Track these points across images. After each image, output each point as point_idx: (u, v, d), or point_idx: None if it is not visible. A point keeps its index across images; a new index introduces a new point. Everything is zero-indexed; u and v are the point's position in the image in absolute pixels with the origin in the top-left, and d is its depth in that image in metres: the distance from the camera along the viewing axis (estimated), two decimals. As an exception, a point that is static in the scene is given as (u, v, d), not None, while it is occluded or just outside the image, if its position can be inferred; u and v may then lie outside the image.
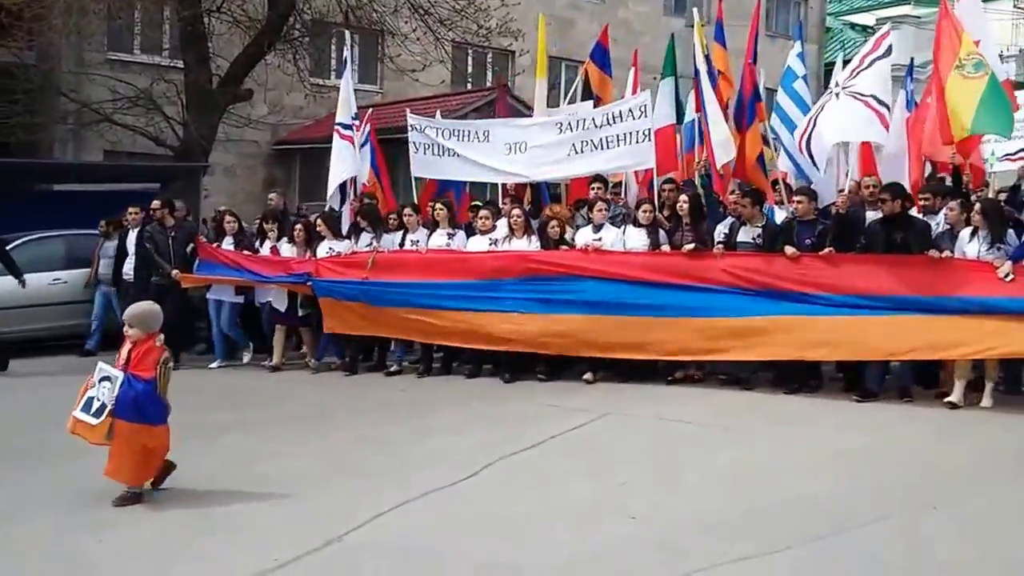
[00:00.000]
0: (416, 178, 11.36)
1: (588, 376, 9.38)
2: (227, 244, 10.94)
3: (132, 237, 11.26)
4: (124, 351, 5.58)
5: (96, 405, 5.44)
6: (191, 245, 10.84)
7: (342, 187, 11.05)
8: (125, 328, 5.65)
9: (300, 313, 10.53)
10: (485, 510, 5.48)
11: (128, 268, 11.19)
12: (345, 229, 10.66)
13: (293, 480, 6.03)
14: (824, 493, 5.72)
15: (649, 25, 24.76)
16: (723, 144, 10.01)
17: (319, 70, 19.09)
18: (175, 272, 10.66)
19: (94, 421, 5.42)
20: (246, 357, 11.01)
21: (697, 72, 10.29)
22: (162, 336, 5.68)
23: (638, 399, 8.61)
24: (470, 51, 21.69)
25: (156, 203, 11.08)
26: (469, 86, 21.95)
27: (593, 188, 10.51)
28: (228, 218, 11.13)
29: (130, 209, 11.40)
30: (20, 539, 5.01)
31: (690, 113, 11.35)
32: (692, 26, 11.09)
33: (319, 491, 5.82)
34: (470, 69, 22.71)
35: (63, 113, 17.00)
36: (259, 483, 5.99)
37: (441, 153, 10.98)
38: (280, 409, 8.55)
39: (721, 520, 5.22)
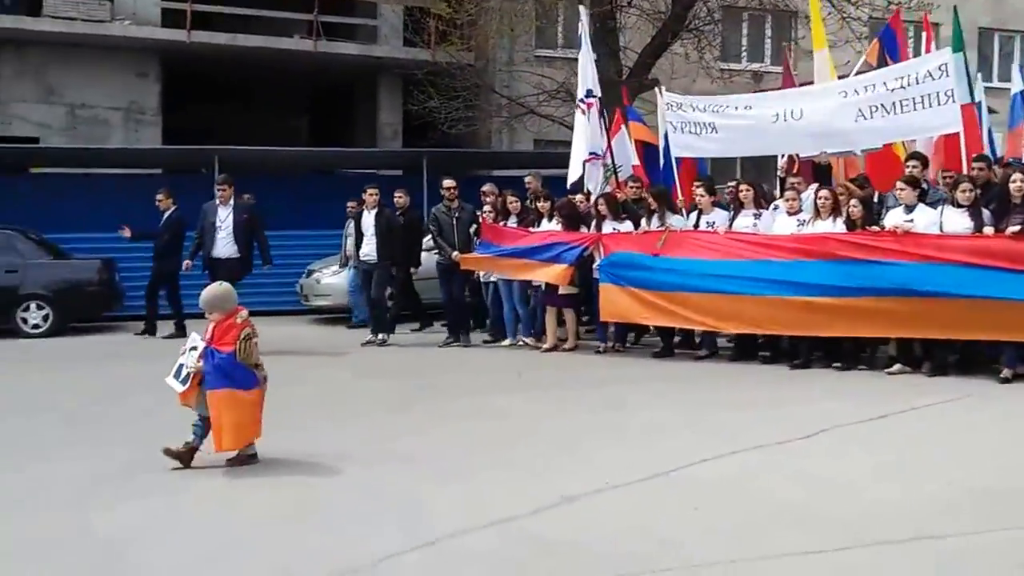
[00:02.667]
0: (677, 159, 10.99)
1: (895, 369, 8.69)
2: (511, 223, 11.16)
3: (370, 218, 11.49)
4: (209, 329, 5.89)
5: (184, 372, 5.80)
6: (474, 226, 11.19)
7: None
8: (206, 314, 5.95)
9: (565, 291, 10.47)
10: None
11: (369, 250, 11.44)
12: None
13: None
14: None
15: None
16: None
17: (728, 55, 18.96)
18: (455, 253, 11.07)
19: (180, 388, 5.80)
20: (525, 340, 11.03)
21: None
22: (244, 312, 5.93)
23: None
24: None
25: (451, 182, 11.48)
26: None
27: (908, 166, 9.31)
28: (511, 198, 11.29)
29: (369, 190, 11.61)
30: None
31: (1017, 84, 9.72)
32: None
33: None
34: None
35: (496, 107, 18.84)
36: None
37: (699, 130, 10.59)
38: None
39: None
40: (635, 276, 9.90)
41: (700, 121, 10.63)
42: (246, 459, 5.85)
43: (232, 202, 11.17)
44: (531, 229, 10.91)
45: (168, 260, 12.45)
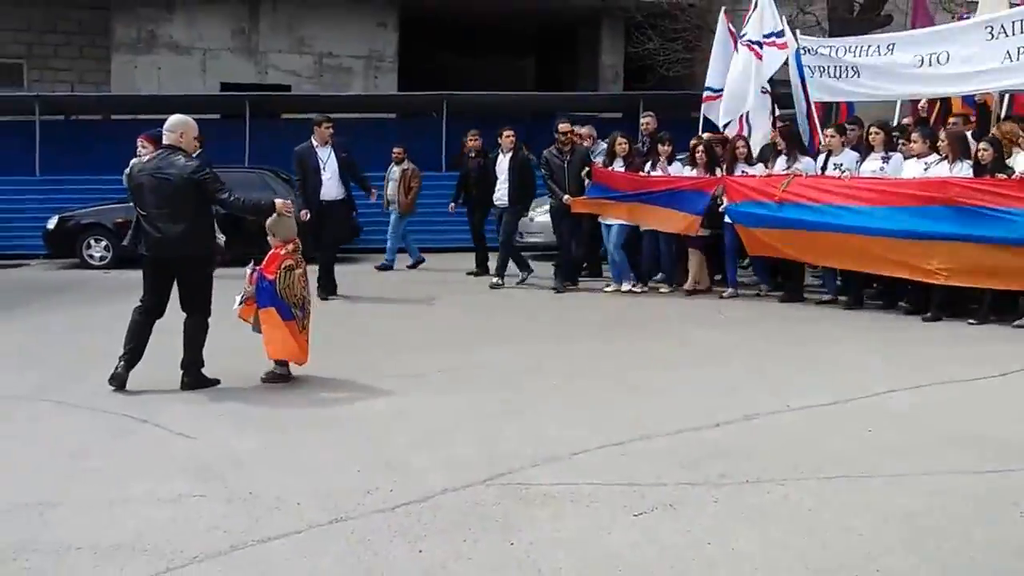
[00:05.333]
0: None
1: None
2: (617, 166, 10.92)
3: (504, 162, 11.46)
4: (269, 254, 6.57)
5: (240, 296, 6.49)
6: (586, 169, 10.88)
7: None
8: (268, 236, 6.59)
9: (697, 233, 10.39)
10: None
11: (501, 194, 11.47)
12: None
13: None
14: None
15: None
16: None
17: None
18: (567, 197, 10.78)
19: (235, 307, 6.48)
20: (626, 285, 10.79)
21: None
22: (290, 245, 6.52)
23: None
24: None
25: (565, 126, 11.08)
26: None
27: None
28: (620, 140, 10.99)
29: (505, 133, 11.52)
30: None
31: None
32: None
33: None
34: None
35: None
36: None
37: (839, 74, 10.32)
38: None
39: None
40: (765, 217, 9.78)
41: (841, 65, 10.37)
42: (277, 377, 6.53)
43: (331, 143, 10.71)
44: (640, 173, 10.80)
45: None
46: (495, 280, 11.42)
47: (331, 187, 10.55)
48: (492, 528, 4.06)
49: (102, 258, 14.15)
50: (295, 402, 6.19)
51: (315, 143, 10.58)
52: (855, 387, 6.30)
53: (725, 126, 11.81)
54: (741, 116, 11.59)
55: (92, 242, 14.20)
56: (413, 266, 13.56)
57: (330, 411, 6.01)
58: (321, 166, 10.48)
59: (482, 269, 12.63)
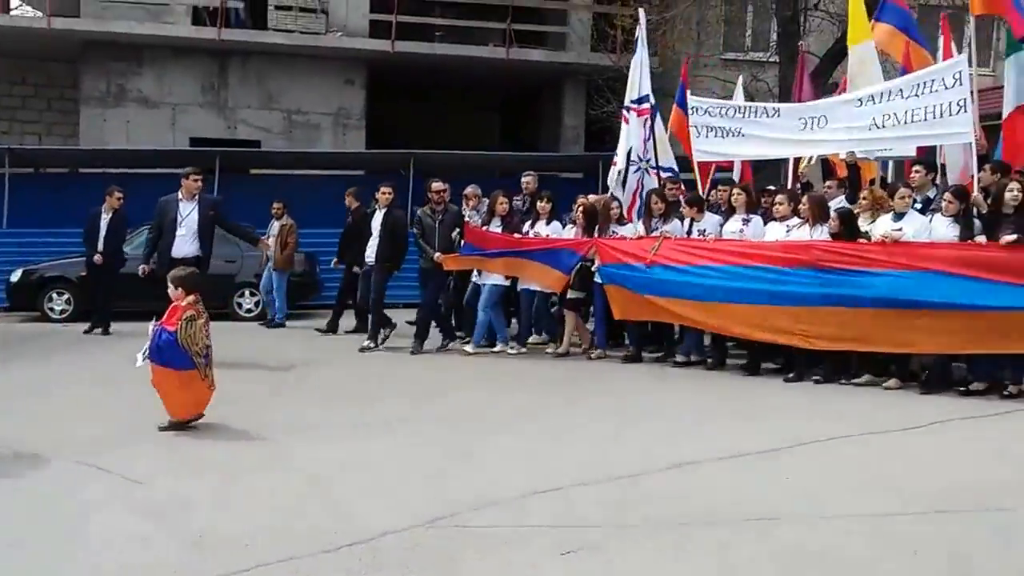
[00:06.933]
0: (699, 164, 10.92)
1: (892, 383, 8.55)
2: (495, 227, 10.82)
3: (378, 217, 11.20)
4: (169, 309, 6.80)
5: (143, 352, 6.68)
6: (457, 229, 10.78)
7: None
8: (169, 288, 6.85)
9: (570, 295, 10.52)
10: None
11: (371, 251, 11.18)
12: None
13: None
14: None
15: None
16: None
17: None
18: (438, 255, 10.63)
19: (139, 362, 6.67)
20: (500, 347, 10.74)
21: None
22: (191, 297, 6.80)
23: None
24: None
25: (438, 185, 10.93)
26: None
27: (914, 171, 9.26)
28: (501, 199, 10.89)
29: (383, 189, 11.31)
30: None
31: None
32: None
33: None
34: None
35: (677, 111, 19.50)
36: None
37: (725, 134, 10.48)
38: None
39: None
40: (635, 279, 9.92)
41: (727, 126, 10.53)
42: (177, 425, 6.74)
43: (197, 196, 10.34)
44: (517, 234, 10.77)
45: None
46: (367, 343, 11.09)
47: (183, 244, 10.06)
48: (430, 567, 4.34)
49: (63, 311, 14.27)
50: (243, 449, 6.45)
51: (181, 196, 10.26)
52: (767, 439, 6.63)
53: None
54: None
55: (55, 295, 14.33)
56: (269, 324, 13.60)
57: (275, 457, 6.24)
58: (180, 221, 10.09)
59: (331, 328, 12.78)
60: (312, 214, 15.20)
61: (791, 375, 9.02)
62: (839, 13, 16.83)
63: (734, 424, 7.31)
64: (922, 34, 11.38)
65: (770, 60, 18.52)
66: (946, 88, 8.80)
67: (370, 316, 11.35)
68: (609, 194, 11.39)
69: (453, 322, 11.46)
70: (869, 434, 6.83)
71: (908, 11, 11.40)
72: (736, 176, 12.14)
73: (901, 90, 9.21)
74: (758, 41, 20.30)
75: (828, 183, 10.41)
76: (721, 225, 10.00)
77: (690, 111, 10.92)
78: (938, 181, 9.60)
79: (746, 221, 9.79)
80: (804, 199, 9.44)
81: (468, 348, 10.72)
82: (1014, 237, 7.98)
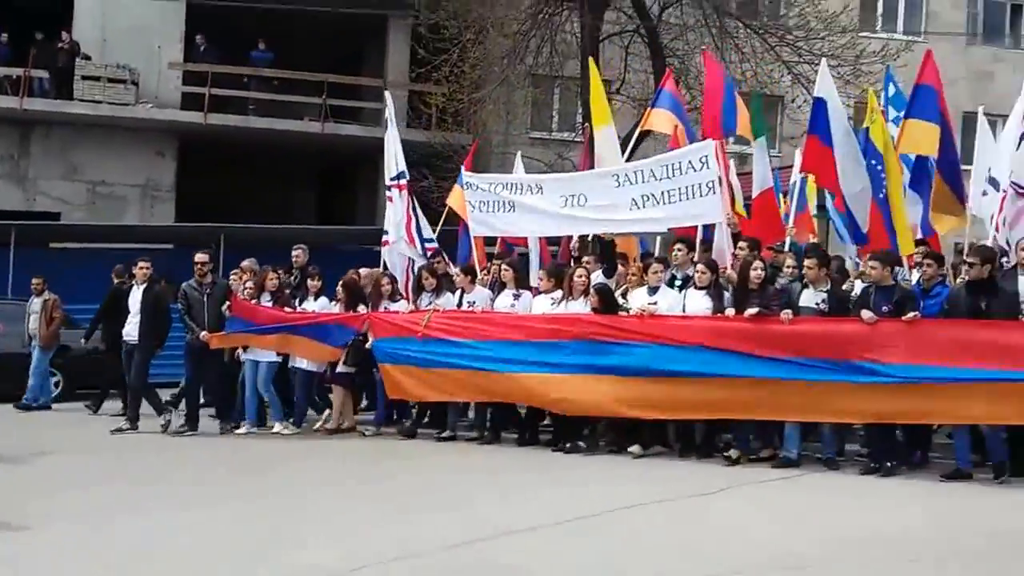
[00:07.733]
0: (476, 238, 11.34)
1: (635, 449, 9.06)
2: (265, 301, 10.68)
3: (137, 295, 10.80)
4: None
5: None
6: (226, 303, 10.53)
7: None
8: None
9: (341, 370, 10.46)
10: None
11: (131, 329, 10.75)
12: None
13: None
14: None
15: None
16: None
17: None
18: (204, 333, 10.34)
19: None
20: (277, 427, 10.53)
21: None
22: None
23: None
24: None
25: (204, 257, 10.72)
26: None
27: (675, 248, 9.66)
28: (271, 275, 10.79)
29: (140, 264, 10.93)
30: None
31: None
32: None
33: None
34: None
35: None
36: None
37: (497, 208, 10.70)
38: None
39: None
40: (408, 355, 10.01)
41: (499, 200, 10.71)
42: None
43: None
44: (287, 309, 10.69)
45: None
46: (122, 425, 10.67)
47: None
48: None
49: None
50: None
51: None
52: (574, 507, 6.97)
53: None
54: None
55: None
56: (26, 407, 12.85)
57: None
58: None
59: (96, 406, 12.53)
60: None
61: (567, 444, 9.35)
62: (640, 97, 17.83)
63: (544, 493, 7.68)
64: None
65: (575, 140, 19.34)
66: (695, 170, 9.30)
67: (128, 398, 11.08)
68: (380, 269, 11.48)
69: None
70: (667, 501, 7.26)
71: (679, 98, 12.07)
72: (533, 254, 12.09)
73: (653, 171, 9.63)
74: (564, 121, 21.12)
75: (586, 257, 10.52)
76: (492, 300, 10.27)
77: (465, 187, 11.17)
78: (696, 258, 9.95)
79: (516, 296, 10.07)
80: (576, 273, 9.64)
81: (241, 430, 10.49)
82: (756, 311, 8.60)
